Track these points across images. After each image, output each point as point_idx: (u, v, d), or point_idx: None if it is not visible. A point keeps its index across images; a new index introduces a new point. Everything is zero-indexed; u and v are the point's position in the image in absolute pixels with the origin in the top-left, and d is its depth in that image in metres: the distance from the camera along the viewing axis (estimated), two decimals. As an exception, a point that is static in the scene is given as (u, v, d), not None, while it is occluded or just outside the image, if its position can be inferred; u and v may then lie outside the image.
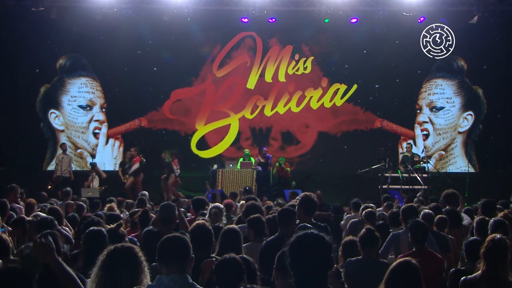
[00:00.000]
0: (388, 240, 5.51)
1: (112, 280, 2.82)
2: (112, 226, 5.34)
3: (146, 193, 10.13)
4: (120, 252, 2.92)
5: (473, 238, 4.46)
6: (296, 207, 4.98)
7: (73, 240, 5.84)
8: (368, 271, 4.29)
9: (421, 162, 14.17)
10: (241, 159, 14.62)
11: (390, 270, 3.19)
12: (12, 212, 7.02)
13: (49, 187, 13.20)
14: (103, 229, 4.29)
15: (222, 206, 6.55)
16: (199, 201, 7.13)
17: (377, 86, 16.06)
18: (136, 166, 13.91)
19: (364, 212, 6.90)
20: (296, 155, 16.25)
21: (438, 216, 6.08)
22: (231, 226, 4.45)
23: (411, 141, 15.82)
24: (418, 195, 10.58)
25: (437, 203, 7.47)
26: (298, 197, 5.84)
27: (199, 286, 3.02)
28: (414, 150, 15.29)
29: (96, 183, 13.81)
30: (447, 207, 6.75)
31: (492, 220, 4.96)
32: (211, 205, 6.50)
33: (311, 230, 2.75)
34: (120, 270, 2.84)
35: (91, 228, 4.29)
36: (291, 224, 4.66)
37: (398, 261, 3.26)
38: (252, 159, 14.60)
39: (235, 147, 16.16)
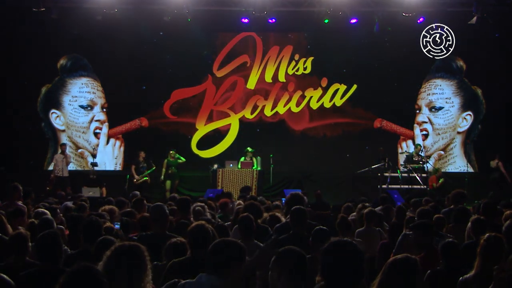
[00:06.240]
0: (399, 240, 5.59)
1: (116, 276, 2.84)
2: (109, 224, 5.41)
3: (138, 193, 9.81)
4: (123, 251, 2.94)
5: (448, 240, 4.52)
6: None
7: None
8: None
9: (420, 162, 14.20)
10: (242, 158, 14.63)
11: (386, 264, 3.25)
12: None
13: (48, 188, 13.24)
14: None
15: (203, 204, 6.73)
16: (184, 201, 6.65)
17: (376, 86, 16.07)
18: None
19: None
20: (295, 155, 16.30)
21: (436, 216, 6.15)
22: (220, 222, 4.47)
23: (420, 143, 15.75)
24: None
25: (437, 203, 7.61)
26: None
27: None
28: (412, 150, 15.33)
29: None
30: (452, 206, 6.81)
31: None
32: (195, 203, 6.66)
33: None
34: (122, 268, 2.86)
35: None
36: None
37: (394, 257, 3.33)
38: (255, 159, 14.56)
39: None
